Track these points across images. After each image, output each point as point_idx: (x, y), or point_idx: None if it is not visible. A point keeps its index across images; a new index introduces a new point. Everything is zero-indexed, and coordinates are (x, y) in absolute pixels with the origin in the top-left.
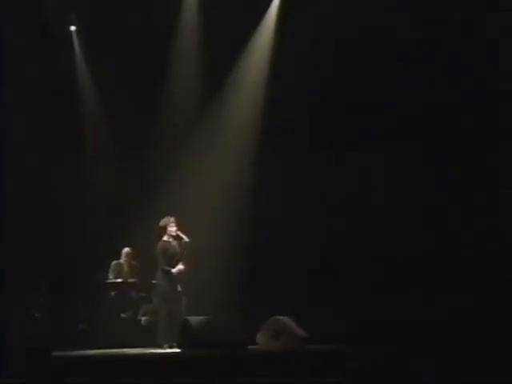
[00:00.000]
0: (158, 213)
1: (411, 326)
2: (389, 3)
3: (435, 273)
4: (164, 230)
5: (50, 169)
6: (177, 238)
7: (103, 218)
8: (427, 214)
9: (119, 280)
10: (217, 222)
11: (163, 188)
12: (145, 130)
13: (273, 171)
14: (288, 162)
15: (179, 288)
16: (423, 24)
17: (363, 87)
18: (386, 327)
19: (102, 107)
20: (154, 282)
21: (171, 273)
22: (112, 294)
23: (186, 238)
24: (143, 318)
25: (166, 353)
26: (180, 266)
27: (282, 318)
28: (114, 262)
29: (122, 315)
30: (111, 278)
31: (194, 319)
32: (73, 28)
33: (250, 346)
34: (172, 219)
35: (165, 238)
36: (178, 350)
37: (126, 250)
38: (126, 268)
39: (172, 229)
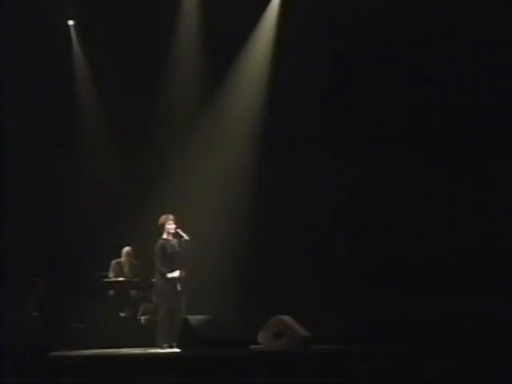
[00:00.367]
0: (159, 211)
1: (413, 326)
2: None
3: (436, 273)
4: (162, 228)
5: (50, 167)
6: (176, 236)
7: (103, 216)
8: (432, 213)
9: (120, 279)
10: (218, 221)
11: (164, 186)
12: (145, 128)
13: (273, 169)
14: (289, 161)
15: (179, 287)
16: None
17: (363, 86)
18: (388, 327)
19: (101, 105)
20: (153, 280)
21: (168, 276)
22: (111, 292)
23: (185, 236)
24: (142, 318)
25: (166, 353)
26: (176, 273)
27: (283, 317)
28: (115, 261)
29: (121, 314)
30: (111, 277)
31: (194, 318)
32: (71, 22)
33: (251, 346)
34: (170, 217)
35: (164, 236)
36: (178, 350)
37: (127, 249)
38: (126, 267)
39: (170, 226)
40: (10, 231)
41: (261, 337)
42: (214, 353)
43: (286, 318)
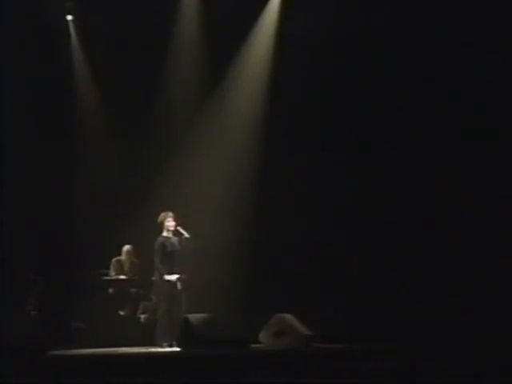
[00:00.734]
0: (159, 211)
1: (413, 326)
2: None
3: (436, 273)
4: (161, 225)
5: (50, 165)
6: (177, 233)
7: (103, 216)
8: (432, 213)
9: (121, 277)
10: (218, 220)
11: (164, 186)
12: (145, 125)
13: (274, 168)
14: (289, 159)
15: (179, 286)
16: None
17: (364, 83)
18: (388, 327)
19: (100, 102)
20: (153, 278)
21: (165, 278)
22: (111, 291)
23: (186, 234)
24: (142, 316)
25: (166, 352)
26: (173, 277)
27: (285, 315)
28: (115, 259)
29: (121, 313)
30: (112, 275)
31: (195, 317)
32: (70, 17)
33: (252, 345)
34: (170, 214)
35: (164, 233)
36: (178, 349)
37: (127, 247)
38: (127, 265)
39: (170, 224)
40: (10, 231)
41: (262, 336)
42: (215, 352)
43: (287, 316)
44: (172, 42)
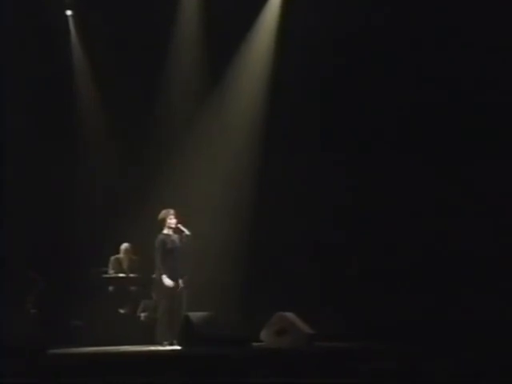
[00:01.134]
0: (159, 209)
1: (413, 325)
2: None
3: (436, 273)
4: (163, 222)
5: (50, 165)
6: (177, 231)
7: (103, 215)
8: (432, 213)
9: (121, 275)
10: (218, 219)
11: (163, 186)
12: (145, 125)
13: (274, 168)
14: (290, 159)
15: (181, 283)
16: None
17: (364, 82)
18: (389, 326)
19: (100, 102)
20: (153, 276)
21: (164, 280)
22: (110, 289)
23: (186, 231)
24: (142, 314)
25: (166, 350)
26: (170, 283)
27: (287, 313)
28: (113, 257)
29: (121, 311)
30: (111, 274)
31: (195, 315)
32: (69, 13)
33: (253, 343)
34: (171, 211)
35: (164, 231)
36: (179, 348)
37: (125, 245)
38: (125, 263)
39: (172, 221)
40: (10, 231)
41: (263, 334)
42: (215, 351)
43: (289, 314)
44: (172, 42)
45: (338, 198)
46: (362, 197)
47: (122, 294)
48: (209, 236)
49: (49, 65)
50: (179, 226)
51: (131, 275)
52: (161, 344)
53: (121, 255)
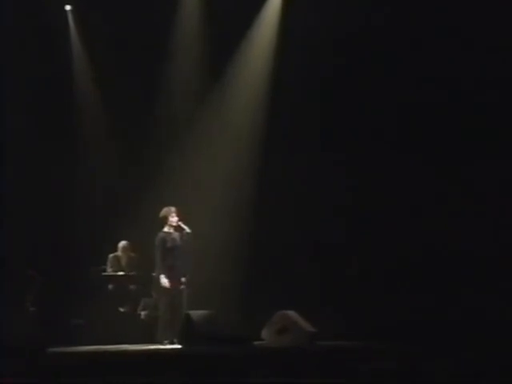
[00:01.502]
0: (159, 209)
1: (414, 325)
2: None
3: (437, 273)
4: (165, 220)
5: (50, 165)
6: (178, 229)
7: (102, 215)
8: (432, 213)
9: (120, 273)
10: (218, 219)
11: (164, 186)
12: (145, 125)
13: (274, 167)
14: (290, 159)
15: (182, 281)
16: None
17: (363, 85)
18: (390, 326)
19: (100, 102)
20: (153, 274)
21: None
22: (110, 287)
23: (187, 229)
24: (143, 313)
25: (167, 349)
26: (167, 284)
27: (288, 312)
28: (112, 255)
29: (121, 309)
30: (110, 272)
31: (196, 314)
32: (68, 7)
33: (254, 342)
34: (173, 209)
35: (165, 228)
36: (179, 346)
37: (123, 243)
38: (124, 260)
39: (173, 219)
40: (10, 231)
41: (265, 333)
42: (216, 349)
43: (290, 313)
44: (172, 41)
45: (338, 198)
46: (362, 197)
47: (122, 293)
48: (209, 236)
49: (49, 65)
50: (180, 223)
51: (130, 273)
52: (161, 343)
53: (119, 253)
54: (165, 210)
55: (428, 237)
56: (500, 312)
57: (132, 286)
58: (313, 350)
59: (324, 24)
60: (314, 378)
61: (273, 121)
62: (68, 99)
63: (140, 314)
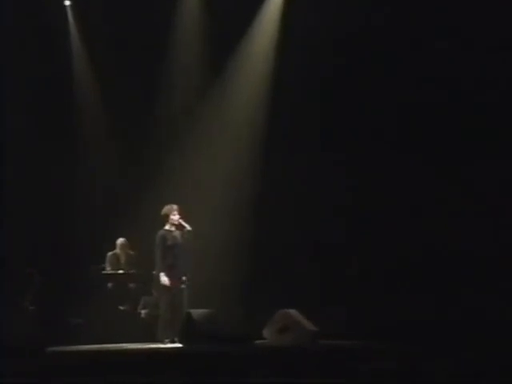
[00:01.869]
0: (159, 207)
1: (414, 325)
2: None
3: (437, 272)
4: (166, 218)
5: (50, 165)
6: (179, 227)
7: (103, 214)
8: (433, 214)
9: (119, 271)
10: (218, 219)
11: (164, 186)
12: (145, 125)
13: (275, 167)
14: (290, 159)
15: (183, 280)
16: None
17: (363, 85)
18: (390, 326)
19: (100, 102)
20: (154, 273)
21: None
22: (110, 285)
23: (188, 227)
24: (143, 311)
25: (167, 348)
26: (167, 282)
27: (290, 311)
28: (110, 253)
29: (121, 308)
30: (109, 270)
31: (197, 312)
32: (68, 3)
33: (256, 341)
34: (175, 207)
35: (166, 226)
36: (180, 346)
37: (121, 240)
38: (123, 258)
39: (174, 217)
40: (10, 231)
41: (266, 332)
42: (217, 348)
43: (292, 311)
44: (172, 39)
45: (338, 198)
46: (362, 197)
47: (122, 291)
48: (209, 236)
49: (49, 65)
50: (180, 221)
51: (130, 271)
52: (162, 342)
53: (117, 250)
54: (166, 208)
55: (428, 237)
56: (500, 312)
57: (132, 285)
58: (313, 350)
59: (324, 24)
60: (313, 377)
61: (273, 121)
62: (68, 99)
63: (140, 313)
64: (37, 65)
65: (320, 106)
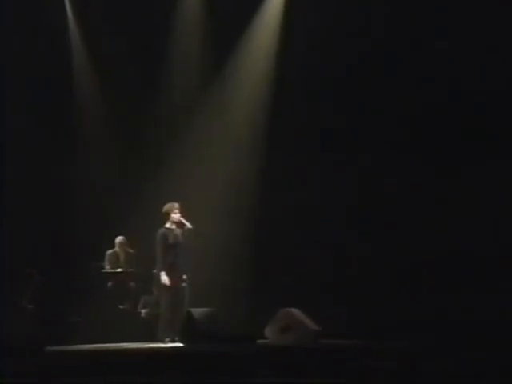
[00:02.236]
0: (159, 207)
1: (414, 325)
2: None
3: (437, 272)
4: (167, 216)
5: (50, 165)
6: (179, 225)
7: (103, 214)
8: (434, 214)
9: (119, 270)
10: (219, 219)
11: (164, 184)
12: (145, 125)
13: (274, 167)
14: (290, 159)
15: (183, 279)
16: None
17: (363, 85)
18: (390, 326)
19: (100, 102)
20: (154, 271)
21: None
22: (109, 284)
23: (189, 225)
24: (143, 311)
25: (167, 348)
26: (167, 281)
27: (292, 310)
28: (110, 252)
29: (121, 307)
30: (108, 268)
31: (198, 312)
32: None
33: (257, 341)
34: (176, 205)
35: (167, 224)
36: (181, 345)
37: (120, 238)
38: (122, 257)
39: (176, 216)
40: (10, 231)
41: (268, 331)
42: (218, 348)
43: (294, 310)
44: (172, 38)
45: (338, 198)
46: (361, 197)
47: (122, 290)
48: (209, 236)
49: (49, 65)
50: (181, 219)
51: (129, 270)
52: (162, 341)
53: (116, 249)
54: (168, 206)
55: (428, 237)
56: (500, 312)
57: (132, 284)
58: (310, 350)
59: (324, 24)
60: (313, 377)
61: (273, 121)
62: (68, 99)
63: (140, 312)
64: (37, 65)
65: (320, 106)
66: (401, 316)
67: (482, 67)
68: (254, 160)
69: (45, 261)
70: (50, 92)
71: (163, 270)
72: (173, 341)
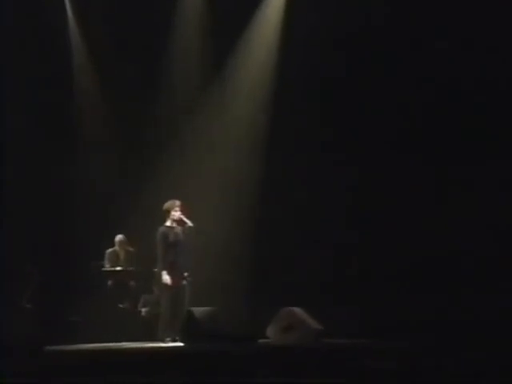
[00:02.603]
0: (159, 207)
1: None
2: None
3: (437, 272)
4: (167, 214)
5: (50, 165)
6: (180, 223)
7: (103, 214)
8: (434, 214)
9: (118, 268)
10: (219, 219)
11: (164, 184)
12: (145, 125)
13: (274, 167)
14: (290, 159)
15: (184, 276)
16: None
17: (363, 85)
18: (390, 326)
19: (100, 102)
20: (155, 270)
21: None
22: (109, 283)
23: (189, 223)
24: (143, 310)
25: (167, 347)
26: (169, 281)
27: (294, 309)
28: (109, 250)
29: (121, 306)
30: (108, 267)
31: (198, 311)
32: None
33: (259, 340)
34: (177, 203)
35: (167, 223)
36: (181, 344)
37: (119, 237)
38: (122, 255)
39: (177, 214)
40: (10, 231)
41: (270, 330)
42: (219, 347)
43: (297, 309)
44: (173, 37)
45: (338, 198)
46: (362, 197)
47: (122, 289)
48: (209, 235)
49: (49, 65)
50: (181, 216)
51: (129, 268)
52: (163, 340)
53: (116, 247)
54: (169, 204)
55: (428, 237)
56: (500, 312)
57: (132, 283)
58: (310, 350)
59: (324, 24)
60: (313, 377)
61: (273, 121)
62: (68, 99)
63: (140, 311)
64: (37, 65)
65: (320, 106)
66: (401, 316)
67: (481, 67)
68: (254, 160)
69: (45, 260)
70: (49, 92)
71: (164, 268)
72: (173, 340)
